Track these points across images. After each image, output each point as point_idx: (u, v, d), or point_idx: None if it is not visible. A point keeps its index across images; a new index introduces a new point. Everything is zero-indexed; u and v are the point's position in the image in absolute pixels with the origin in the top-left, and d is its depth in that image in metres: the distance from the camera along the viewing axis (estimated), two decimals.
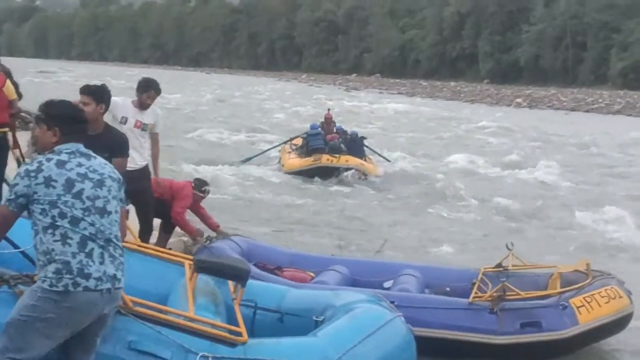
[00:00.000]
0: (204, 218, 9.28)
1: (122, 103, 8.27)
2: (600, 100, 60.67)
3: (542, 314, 6.97)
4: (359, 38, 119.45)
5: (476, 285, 7.43)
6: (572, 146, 29.67)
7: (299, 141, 20.59)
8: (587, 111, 53.90)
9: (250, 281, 5.32)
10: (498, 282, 7.23)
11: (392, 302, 6.80)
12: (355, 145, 19.23)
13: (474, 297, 7.13)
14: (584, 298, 7.08)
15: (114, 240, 4.47)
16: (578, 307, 7.02)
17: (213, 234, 8.81)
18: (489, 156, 24.57)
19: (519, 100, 62.01)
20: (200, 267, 5.17)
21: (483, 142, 30.02)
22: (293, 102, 49.58)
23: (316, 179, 18.13)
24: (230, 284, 5.40)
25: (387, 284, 7.99)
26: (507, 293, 7.04)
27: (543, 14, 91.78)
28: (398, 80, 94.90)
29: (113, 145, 6.74)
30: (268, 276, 7.48)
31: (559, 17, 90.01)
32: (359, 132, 20.85)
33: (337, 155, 18.39)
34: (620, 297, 7.25)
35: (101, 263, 4.36)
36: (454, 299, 7.33)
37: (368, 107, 47.23)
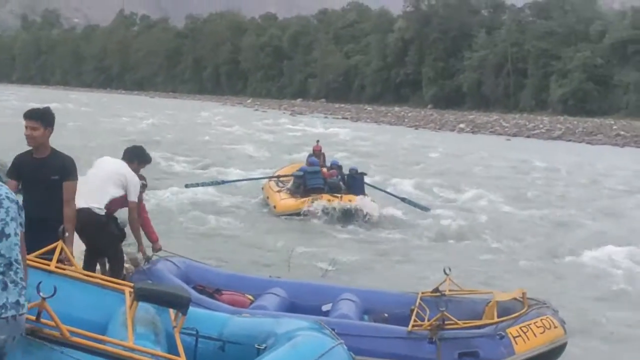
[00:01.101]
0: (146, 226, 8.65)
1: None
2: (541, 126, 61.78)
3: (480, 344, 7.00)
4: (304, 63, 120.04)
5: (414, 313, 7.44)
6: (525, 172, 30.09)
7: (288, 170, 19.02)
8: (528, 136, 54.78)
9: (191, 308, 5.25)
10: (436, 307, 7.24)
11: (332, 329, 6.86)
12: (355, 182, 17.51)
13: (413, 326, 7.12)
14: (520, 328, 7.15)
15: (15, 264, 4.28)
16: (514, 337, 7.07)
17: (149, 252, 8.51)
18: (439, 179, 24.75)
19: (462, 125, 62.77)
20: (140, 295, 5.07)
21: (442, 168, 30.08)
22: (235, 126, 49.43)
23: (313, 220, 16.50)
24: (171, 311, 5.31)
25: (325, 308, 7.95)
26: (446, 322, 7.05)
27: (485, 41, 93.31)
28: (343, 105, 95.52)
29: (61, 169, 6.62)
30: (207, 300, 7.39)
31: (501, 44, 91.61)
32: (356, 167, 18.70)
33: (339, 195, 16.73)
34: (555, 327, 7.34)
35: (3, 289, 4.20)
36: (394, 327, 7.31)
37: (314, 132, 47.33)
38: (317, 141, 19.94)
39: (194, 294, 7.16)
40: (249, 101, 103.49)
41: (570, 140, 51.59)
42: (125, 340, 4.76)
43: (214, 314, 6.02)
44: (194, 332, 5.52)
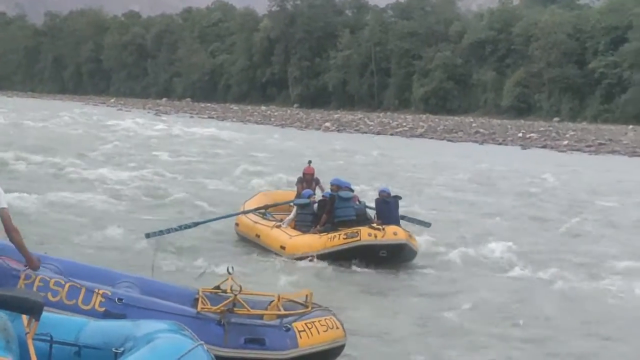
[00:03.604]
0: None
1: None
2: (404, 124, 63.30)
3: (267, 332, 7.18)
4: (168, 62, 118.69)
5: (200, 299, 7.53)
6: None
7: (261, 200, 15.08)
8: (392, 134, 55.91)
9: (46, 313, 5.04)
10: (217, 302, 7.40)
11: (120, 300, 6.94)
12: (389, 209, 13.27)
13: (202, 308, 7.23)
14: (305, 323, 7.37)
15: None
16: (300, 331, 7.29)
17: None
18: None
19: (327, 124, 63.49)
20: None
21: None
22: (97, 125, 48.16)
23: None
24: (24, 317, 5.10)
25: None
26: (236, 308, 7.24)
27: (349, 41, 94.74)
28: (209, 105, 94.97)
29: None
30: None
31: (364, 43, 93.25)
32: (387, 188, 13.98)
33: (382, 227, 12.45)
34: (337, 327, 7.60)
35: None
36: (183, 307, 7.32)
37: (179, 132, 46.73)
38: (309, 162, 15.27)
39: None
40: (112, 101, 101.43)
41: (432, 138, 53.01)
42: None
43: (70, 319, 5.81)
44: (48, 338, 5.32)
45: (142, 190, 19.37)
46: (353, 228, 12.54)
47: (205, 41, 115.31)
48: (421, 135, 54.81)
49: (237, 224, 14.62)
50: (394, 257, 12.43)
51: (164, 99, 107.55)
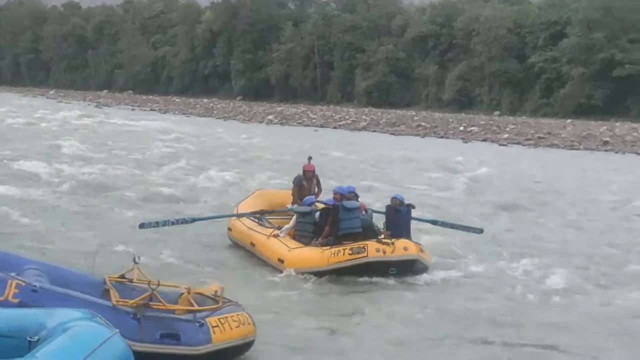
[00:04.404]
0: None
1: None
2: (347, 117, 63.33)
3: (181, 327, 7.18)
4: (110, 54, 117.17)
5: (111, 290, 7.46)
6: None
7: (258, 200, 14.08)
8: (335, 127, 55.93)
9: None
10: (124, 291, 7.39)
11: (33, 291, 6.84)
12: (400, 218, 12.26)
13: (117, 301, 7.17)
14: (219, 319, 7.43)
15: None
16: (213, 327, 7.33)
17: None
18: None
19: (270, 117, 63.25)
20: None
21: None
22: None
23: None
24: None
25: None
26: (152, 303, 7.21)
27: (292, 34, 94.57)
28: (151, 97, 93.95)
29: None
30: None
31: (307, 37, 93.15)
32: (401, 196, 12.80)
33: (391, 241, 11.46)
34: (249, 323, 7.71)
35: None
36: (98, 299, 7.24)
37: (120, 124, 46.12)
38: (309, 158, 14.00)
39: None
40: (51, 92, 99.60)
41: (375, 131, 53.15)
42: None
43: None
44: None
45: (80, 184, 19.04)
46: (360, 242, 11.42)
47: (147, 33, 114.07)
48: (364, 129, 54.92)
49: (229, 229, 13.46)
50: (404, 273, 11.37)
51: (105, 91, 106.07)
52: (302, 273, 11.31)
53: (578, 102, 67.00)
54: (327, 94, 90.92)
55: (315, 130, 52.48)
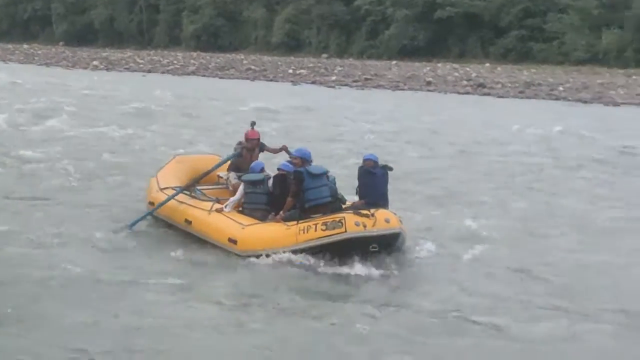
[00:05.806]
0: None
1: None
2: (175, 62, 62.48)
3: None
4: None
5: None
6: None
7: (180, 166, 12.09)
8: (163, 72, 55.01)
9: None
10: None
11: None
12: (374, 182, 10.16)
13: None
14: None
15: None
16: None
17: None
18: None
19: (95, 63, 61.47)
20: None
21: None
22: None
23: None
24: None
25: None
26: None
27: None
28: None
29: None
30: None
31: None
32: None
33: (370, 211, 9.34)
34: None
35: None
36: None
37: None
38: (253, 124, 11.45)
39: None
40: None
41: (204, 76, 52.73)
42: None
43: None
44: None
45: None
46: (334, 215, 9.36)
47: None
48: (193, 73, 54.41)
49: (151, 203, 11.18)
50: (385, 250, 9.33)
51: None
52: (263, 255, 9.34)
53: (402, 44, 68.66)
54: (154, 38, 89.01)
55: (144, 76, 51.53)
